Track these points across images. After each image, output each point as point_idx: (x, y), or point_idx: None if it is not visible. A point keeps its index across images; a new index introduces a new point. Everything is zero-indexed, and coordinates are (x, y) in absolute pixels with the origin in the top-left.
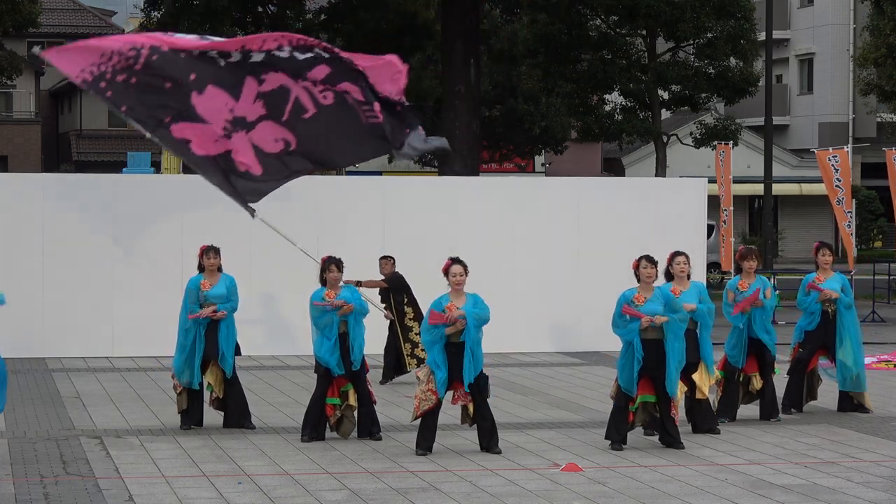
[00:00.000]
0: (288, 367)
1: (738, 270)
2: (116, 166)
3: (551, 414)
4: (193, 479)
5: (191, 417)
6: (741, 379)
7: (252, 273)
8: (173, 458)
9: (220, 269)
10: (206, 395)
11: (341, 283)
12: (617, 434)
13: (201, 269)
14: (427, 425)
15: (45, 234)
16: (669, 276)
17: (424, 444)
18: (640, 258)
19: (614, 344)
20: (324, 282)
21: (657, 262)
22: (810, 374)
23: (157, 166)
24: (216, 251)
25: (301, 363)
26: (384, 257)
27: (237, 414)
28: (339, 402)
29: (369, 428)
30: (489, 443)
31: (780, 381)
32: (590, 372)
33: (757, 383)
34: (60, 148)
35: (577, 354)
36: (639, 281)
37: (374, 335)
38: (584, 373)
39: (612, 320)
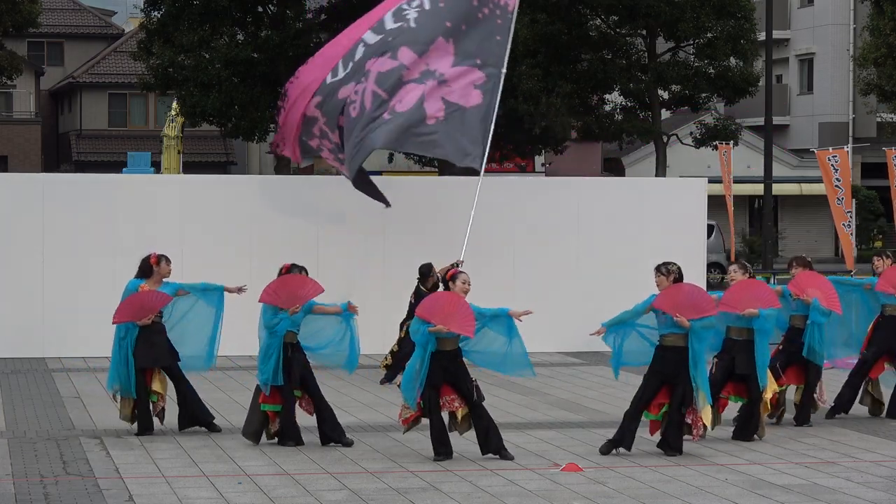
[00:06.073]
0: None
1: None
2: (116, 166)
3: (551, 414)
4: (193, 479)
5: (143, 424)
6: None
7: (252, 266)
8: (173, 458)
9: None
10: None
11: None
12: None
13: (145, 274)
14: (434, 434)
15: (45, 234)
16: None
17: (441, 448)
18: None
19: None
20: None
21: (674, 271)
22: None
23: (157, 166)
24: (168, 259)
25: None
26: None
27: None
28: (279, 409)
29: (332, 433)
30: (500, 448)
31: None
32: (590, 372)
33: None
34: (60, 148)
35: (577, 354)
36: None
37: (370, 335)
38: (584, 373)
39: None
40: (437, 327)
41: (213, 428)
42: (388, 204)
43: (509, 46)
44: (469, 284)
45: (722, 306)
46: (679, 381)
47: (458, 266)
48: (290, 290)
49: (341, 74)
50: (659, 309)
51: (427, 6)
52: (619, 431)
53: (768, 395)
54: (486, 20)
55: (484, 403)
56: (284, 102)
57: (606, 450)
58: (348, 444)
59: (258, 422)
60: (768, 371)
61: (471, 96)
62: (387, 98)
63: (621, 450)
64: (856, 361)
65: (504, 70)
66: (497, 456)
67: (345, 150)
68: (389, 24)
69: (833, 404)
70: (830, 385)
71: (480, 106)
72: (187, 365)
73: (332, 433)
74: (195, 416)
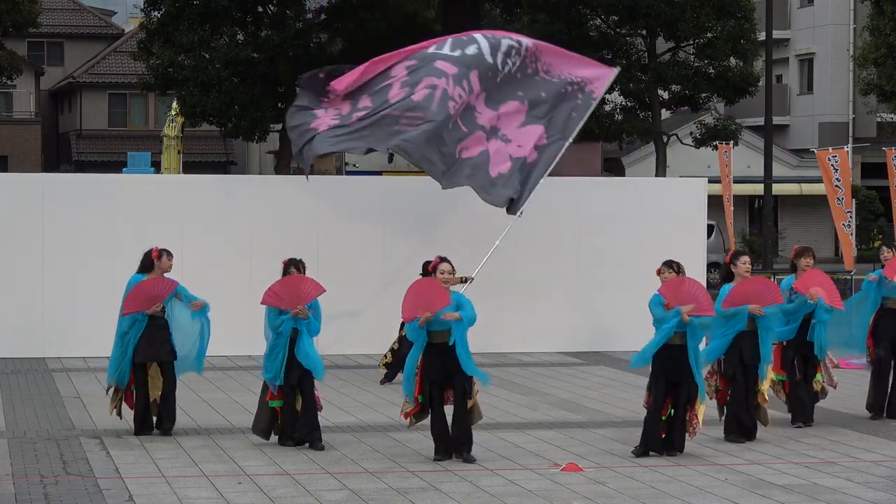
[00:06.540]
0: None
1: (794, 269)
2: (116, 166)
3: (551, 414)
4: (193, 479)
5: (142, 424)
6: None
7: (252, 266)
8: (173, 458)
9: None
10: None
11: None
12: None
13: (146, 268)
14: (435, 431)
15: (45, 234)
16: (730, 277)
17: (441, 446)
18: (662, 264)
19: (614, 344)
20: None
21: (682, 271)
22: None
23: (157, 166)
24: (170, 254)
25: None
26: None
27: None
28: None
29: (308, 436)
30: (461, 448)
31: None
32: (590, 372)
33: (816, 385)
34: (60, 148)
35: (577, 354)
36: None
37: (370, 335)
38: (584, 373)
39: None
40: (423, 318)
41: (166, 432)
42: (306, 175)
43: (581, 124)
44: (449, 274)
45: (726, 304)
46: (683, 380)
47: (468, 282)
48: (292, 291)
49: (446, 50)
50: (661, 296)
51: (528, 70)
52: (644, 437)
53: (765, 387)
54: (567, 96)
55: (484, 403)
56: (383, 61)
57: (639, 452)
58: (319, 448)
59: (267, 419)
60: (770, 365)
61: (531, 153)
62: (466, 130)
63: (630, 450)
64: (858, 361)
65: (570, 141)
66: (460, 458)
67: (404, 116)
68: (501, 51)
69: (869, 404)
70: (853, 389)
71: (535, 162)
72: (180, 366)
73: (303, 429)
74: (160, 418)
